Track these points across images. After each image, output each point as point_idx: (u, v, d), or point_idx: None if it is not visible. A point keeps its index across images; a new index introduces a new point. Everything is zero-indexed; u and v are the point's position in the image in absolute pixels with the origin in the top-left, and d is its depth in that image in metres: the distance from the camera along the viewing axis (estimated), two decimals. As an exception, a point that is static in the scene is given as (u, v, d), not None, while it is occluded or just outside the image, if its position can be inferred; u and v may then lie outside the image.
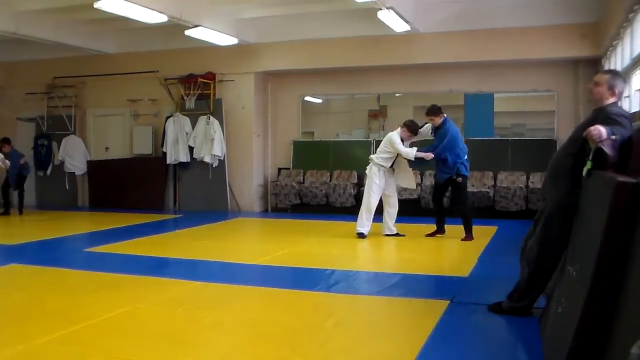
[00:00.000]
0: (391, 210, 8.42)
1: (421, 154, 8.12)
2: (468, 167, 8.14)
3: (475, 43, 10.60)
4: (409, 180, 8.60)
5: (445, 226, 8.27)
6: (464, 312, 4.60)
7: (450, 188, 8.18)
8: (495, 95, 11.38)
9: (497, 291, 4.83)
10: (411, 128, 8.35)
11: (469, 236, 7.99)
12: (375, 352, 3.76)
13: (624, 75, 4.39)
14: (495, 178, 10.94)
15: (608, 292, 2.63)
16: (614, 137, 3.38)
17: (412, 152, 8.19)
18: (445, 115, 8.16)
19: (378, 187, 8.32)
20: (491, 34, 10.51)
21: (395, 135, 8.31)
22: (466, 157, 8.09)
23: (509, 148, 11.13)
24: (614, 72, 4.18)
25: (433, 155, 8.05)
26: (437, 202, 8.38)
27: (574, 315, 2.82)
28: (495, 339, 4.09)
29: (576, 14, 10.03)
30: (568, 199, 3.82)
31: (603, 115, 3.79)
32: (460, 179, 7.99)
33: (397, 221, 8.39)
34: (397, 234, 8.37)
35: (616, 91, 3.94)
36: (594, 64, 10.19)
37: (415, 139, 8.53)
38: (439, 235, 8.30)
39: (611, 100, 3.93)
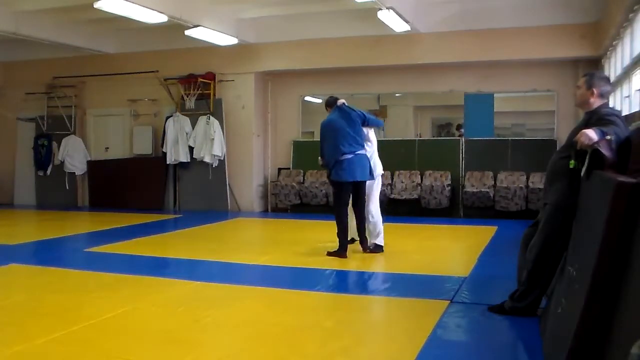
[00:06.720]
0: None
1: None
2: (345, 168, 6.56)
3: (475, 43, 10.60)
4: None
5: (444, 226, 8.19)
6: (464, 312, 4.60)
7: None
8: (495, 95, 11.37)
9: (497, 291, 4.84)
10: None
11: (337, 252, 6.75)
12: (375, 352, 3.76)
13: (606, 77, 4.38)
14: (495, 178, 10.94)
15: (608, 292, 2.63)
16: (608, 137, 3.38)
17: None
18: (338, 104, 6.87)
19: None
20: (491, 34, 10.51)
21: None
22: (346, 156, 6.56)
23: (509, 148, 11.12)
24: (591, 74, 4.18)
25: None
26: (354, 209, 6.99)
27: (574, 315, 2.82)
28: (495, 339, 4.09)
29: (576, 14, 10.03)
30: (567, 200, 3.83)
31: (596, 117, 3.83)
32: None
33: (397, 221, 8.26)
34: (351, 240, 7.21)
35: (596, 91, 3.96)
36: (594, 64, 10.18)
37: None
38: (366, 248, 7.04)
39: (598, 102, 3.97)
